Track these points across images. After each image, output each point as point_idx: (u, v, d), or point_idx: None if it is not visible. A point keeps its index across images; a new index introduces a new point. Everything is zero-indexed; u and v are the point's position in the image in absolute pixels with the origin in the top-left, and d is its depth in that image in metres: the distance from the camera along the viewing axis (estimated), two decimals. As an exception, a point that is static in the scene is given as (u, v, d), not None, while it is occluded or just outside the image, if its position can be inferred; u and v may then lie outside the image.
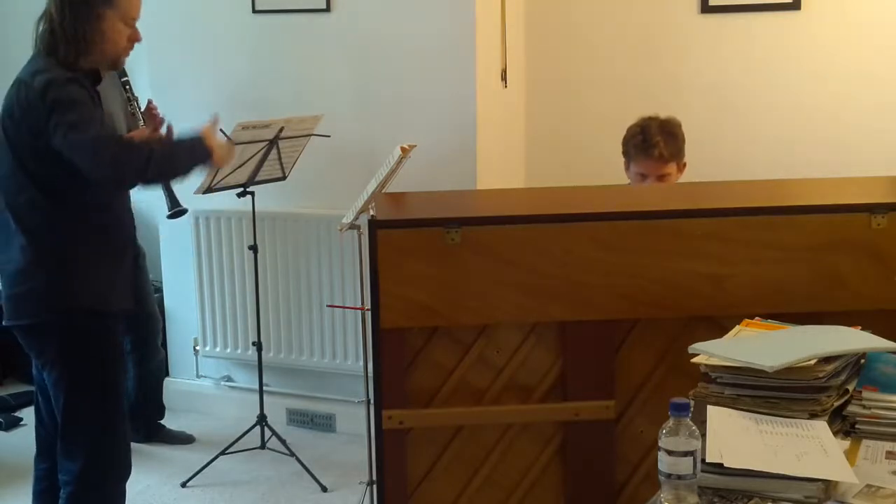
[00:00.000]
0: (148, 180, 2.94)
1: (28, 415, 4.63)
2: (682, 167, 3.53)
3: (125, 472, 3.06)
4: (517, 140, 4.54)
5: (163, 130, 3.31)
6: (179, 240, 4.49)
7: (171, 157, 2.94)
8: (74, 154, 2.76)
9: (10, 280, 2.91)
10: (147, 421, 4.41)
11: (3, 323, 2.96)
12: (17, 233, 2.87)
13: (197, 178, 3.48)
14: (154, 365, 4.41)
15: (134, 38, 2.96)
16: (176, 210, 3.81)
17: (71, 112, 2.75)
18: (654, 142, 3.43)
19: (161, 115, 3.46)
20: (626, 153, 3.54)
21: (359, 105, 4.27)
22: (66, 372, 2.91)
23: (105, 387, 2.96)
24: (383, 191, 3.34)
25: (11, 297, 2.90)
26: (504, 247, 2.53)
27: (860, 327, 2.11)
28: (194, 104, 4.17)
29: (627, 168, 3.55)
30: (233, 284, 4.52)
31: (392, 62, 4.20)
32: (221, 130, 3.72)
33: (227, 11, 4.41)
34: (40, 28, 2.87)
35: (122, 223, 3.06)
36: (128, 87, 3.75)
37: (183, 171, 2.99)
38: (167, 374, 4.73)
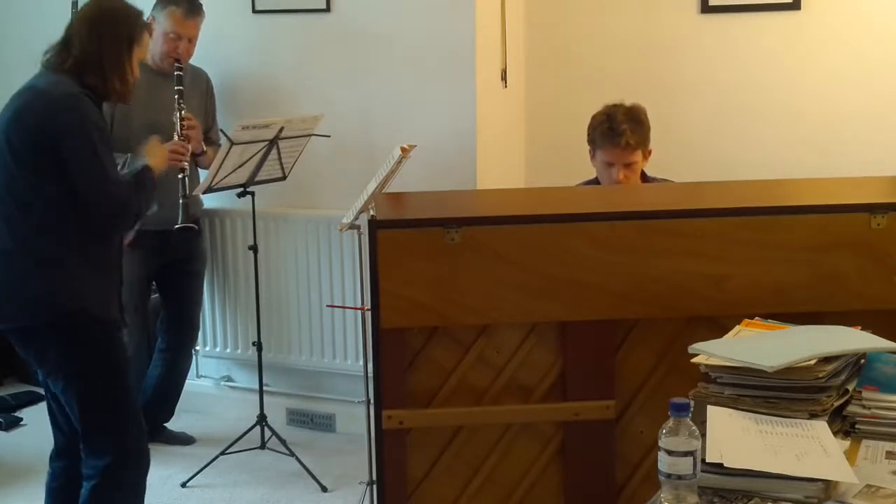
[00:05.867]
0: (134, 222, 3.09)
1: (28, 415, 4.64)
2: (647, 154, 3.47)
3: (147, 466, 3.12)
4: (517, 140, 4.54)
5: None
6: (179, 240, 4.48)
7: (145, 192, 3.05)
8: (84, 182, 2.83)
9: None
10: (153, 421, 4.41)
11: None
12: (7, 238, 2.88)
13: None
14: (178, 371, 4.42)
15: (135, 76, 3.05)
16: (185, 225, 3.88)
17: (93, 135, 2.84)
18: (620, 130, 3.36)
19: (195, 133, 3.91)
20: (591, 141, 3.47)
21: (359, 105, 4.27)
22: (72, 381, 2.93)
23: (113, 390, 2.98)
24: (383, 191, 3.34)
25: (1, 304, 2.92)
26: (504, 247, 2.53)
27: (860, 327, 2.11)
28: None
29: (593, 157, 3.48)
30: (233, 284, 4.52)
31: (392, 62, 4.20)
32: (221, 131, 3.74)
33: (227, 11, 4.41)
34: (59, 51, 2.90)
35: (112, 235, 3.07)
36: (178, 95, 3.87)
37: (152, 199, 3.10)
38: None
